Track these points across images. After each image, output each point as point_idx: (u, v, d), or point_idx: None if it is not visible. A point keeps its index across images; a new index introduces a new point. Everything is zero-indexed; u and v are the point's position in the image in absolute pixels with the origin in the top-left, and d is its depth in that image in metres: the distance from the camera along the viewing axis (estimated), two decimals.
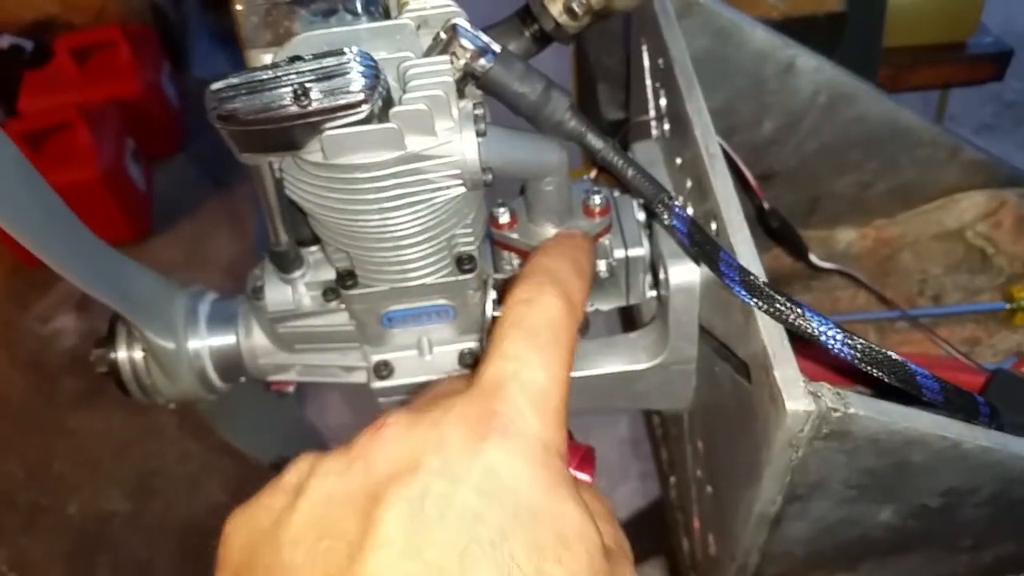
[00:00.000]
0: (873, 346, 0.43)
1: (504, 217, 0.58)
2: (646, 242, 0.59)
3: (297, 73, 0.43)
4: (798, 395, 0.42)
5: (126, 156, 2.72)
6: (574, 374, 0.62)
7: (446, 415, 0.39)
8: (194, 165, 3.02)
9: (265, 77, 0.43)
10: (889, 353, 0.43)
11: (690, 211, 0.53)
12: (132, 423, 2.29)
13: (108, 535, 2.14)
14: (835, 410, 0.43)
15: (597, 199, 0.57)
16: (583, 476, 0.50)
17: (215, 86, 0.44)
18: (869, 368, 0.43)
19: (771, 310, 0.44)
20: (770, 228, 0.73)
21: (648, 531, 1.80)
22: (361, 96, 0.43)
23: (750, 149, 0.73)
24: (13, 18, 2.88)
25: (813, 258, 0.75)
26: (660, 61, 0.61)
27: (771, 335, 0.44)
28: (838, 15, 0.81)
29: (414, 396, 0.49)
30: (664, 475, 0.88)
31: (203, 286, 0.65)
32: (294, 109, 0.43)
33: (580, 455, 0.50)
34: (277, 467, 0.46)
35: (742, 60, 0.70)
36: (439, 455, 0.37)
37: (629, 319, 0.91)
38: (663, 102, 0.62)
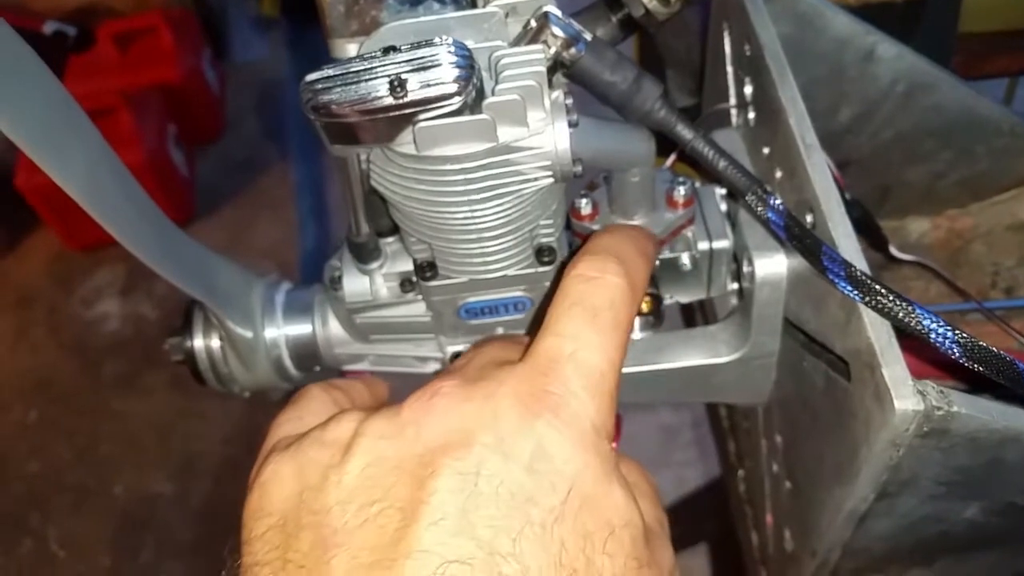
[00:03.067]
0: (982, 344, 0.42)
1: (586, 208, 0.57)
2: (730, 233, 0.58)
3: (393, 64, 0.43)
4: (907, 394, 0.41)
5: (168, 141, 2.74)
6: (650, 367, 0.62)
7: (500, 388, 0.39)
8: (235, 150, 3.04)
9: (360, 68, 0.43)
10: (999, 352, 0.42)
11: (780, 200, 0.51)
12: (176, 405, 2.31)
13: (154, 516, 2.17)
14: (939, 408, 0.42)
15: (681, 190, 0.56)
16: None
17: (310, 77, 0.43)
18: (976, 366, 0.42)
19: (879, 306, 0.42)
20: (850, 219, 0.71)
21: (691, 519, 1.80)
22: (455, 87, 0.42)
23: (825, 137, 0.72)
24: (57, 4, 2.90)
25: (893, 250, 0.73)
26: (746, 48, 0.59)
27: (878, 331, 0.43)
28: (916, 2, 0.79)
29: (460, 358, 0.48)
30: (730, 467, 0.87)
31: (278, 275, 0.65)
32: (389, 100, 0.42)
33: None
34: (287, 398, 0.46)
35: (822, 47, 0.69)
36: (493, 431, 0.37)
37: (689, 310, 0.90)
38: (747, 90, 0.60)
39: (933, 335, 0.42)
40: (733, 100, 0.64)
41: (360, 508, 0.36)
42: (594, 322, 0.41)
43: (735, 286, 0.61)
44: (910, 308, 0.42)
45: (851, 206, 0.70)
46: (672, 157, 0.63)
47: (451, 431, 0.37)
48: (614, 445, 0.49)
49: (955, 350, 0.42)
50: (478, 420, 0.37)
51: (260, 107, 3.17)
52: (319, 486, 0.38)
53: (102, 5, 2.98)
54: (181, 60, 2.89)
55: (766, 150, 0.58)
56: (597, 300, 0.42)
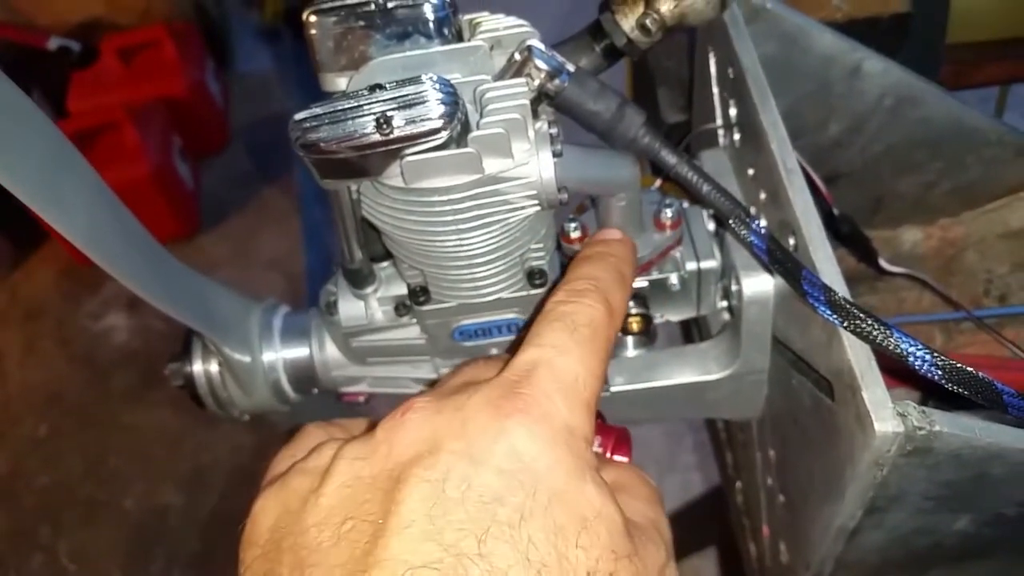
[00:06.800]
0: (959, 365, 0.43)
1: (575, 232, 0.58)
2: (718, 254, 0.59)
3: (379, 102, 0.44)
4: (887, 416, 0.42)
5: (173, 154, 2.76)
6: (644, 385, 0.62)
7: (471, 399, 0.39)
8: (239, 162, 3.05)
9: (348, 106, 0.44)
10: (977, 373, 0.43)
11: (763, 222, 0.52)
12: (184, 417, 2.33)
13: (164, 528, 2.19)
14: (920, 428, 0.43)
15: (669, 212, 0.57)
16: (620, 459, 0.50)
17: (299, 116, 0.45)
18: (956, 388, 0.43)
19: (857, 329, 0.43)
20: (839, 233, 0.72)
21: (698, 522, 1.80)
22: (440, 123, 0.44)
23: (814, 151, 0.73)
24: (60, 20, 2.92)
25: (883, 263, 0.74)
26: (730, 71, 0.60)
27: (857, 355, 0.44)
28: (903, 16, 0.80)
29: (441, 380, 0.49)
30: (729, 479, 0.88)
31: (276, 299, 0.66)
32: (376, 137, 0.43)
33: (615, 438, 0.50)
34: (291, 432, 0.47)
35: (808, 65, 0.69)
36: (461, 438, 0.38)
37: (687, 325, 0.91)
38: (732, 112, 0.61)
39: (912, 358, 0.43)
40: (719, 121, 0.65)
41: (335, 527, 0.37)
42: (573, 334, 0.42)
43: (724, 304, 0.62)
44: (888, 332, 0.43)
45: (840, 221, 0.71)
46: (660, 178, 0.64)
47: (421, 443, 0.38)
48: (626, 459, 0.50)
49: (934, 372, 0.43)
50: (448, 429, 0.38)
51: (264, 118, 3.18)
52: (298, 511, 0.39)
53: (105, 19, 3.00)
54: (185, 72, 2.90)
55: (751, 171, 0.59)
56: (578, 318, 0.43)
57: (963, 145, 0.79)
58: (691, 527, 1.81)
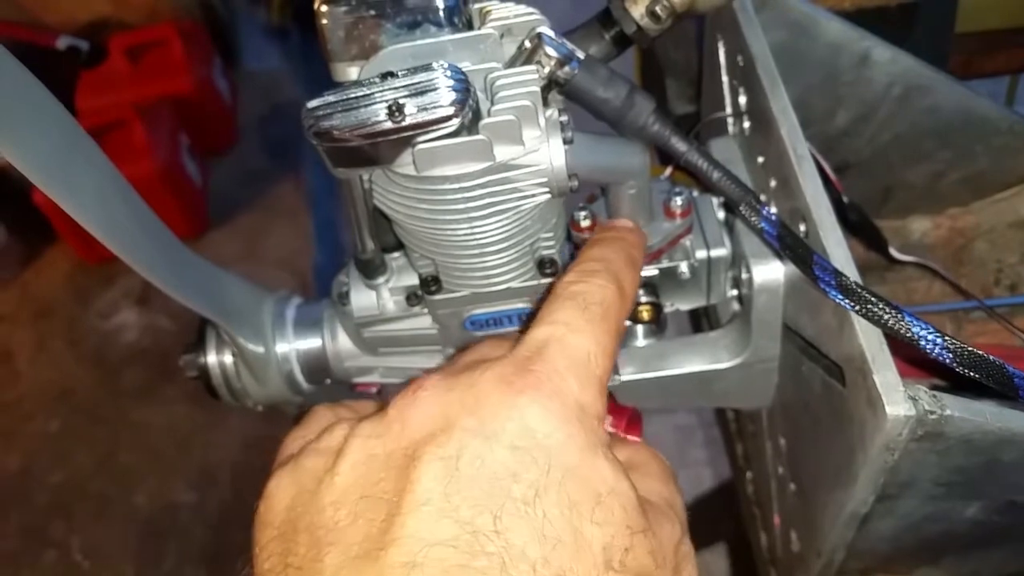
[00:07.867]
0: (971, 349, 0.43)
1: (585, 221, 0.58)
2: (728, 242, 0.59)
3: (391, 89, 0.44)
4: (898, 400, 0.42)
5: (182, 152, 2.76)
6: (654, 374, 0.63)
7: (483, 376, 0.39)
8: (248, 160, 3.06)
9: (360, 94, 0.44)
10: (988, 356, 0.43)
11: (773, 209, 0.52)
12: (194, 415, 2.34)
13: (175, 524, 2.19)
14: (931, 412, 0.43)
15: (679, 200, 0.57)
16: (632, 439, 0.51)
17: (311, 104, 0.45)
18: (967, 371, 0.43)
19: (869, 313, 0.43)
20: (848, 221, 0.72)
21: (710, 518, 1.80)
22: (452, 111, 0.44)
23: (823, 141, 0.73)
24: (69, 19, 2.92)
25: (893, 251, 0.74)
26: (739, 58, 0.60)
27: (869, 338, 0.44)
28: (911, 5, 0.80)
29: (452, 358, 0.49)
30: (739, 469, 0.88)
31: (289, 291, 0.67)
32: (388, 125, 0.44)
33: (627, 418, 0.51)
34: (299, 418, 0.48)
35: (816, 53, 0.70)
36: (474, 414, 0.38)
37: (696, 316, 0.91)
38: (742, 100, 0.61)
39: (923, 341, 0.43)
40: (729, 109, 0.65)
41: (351, 505, 0.37)
42: (585, 312, 0.43)
43: (735, 293, 0.62)
44: (899, 315, 0.43)
45: (850, 209, 0.71)
46: (671, 167, 0.64)
47: (434, 420, 0.38)
48: (636, 439, 0.51)
49: (945, 356, 0.43)
50: (460, 406, 0.38)
51: (272, 116, 3.19)
52: (314, 490, 0.39)
53: (113, 18, 3.00)
54: (192, 71, 2.90)
55: (761, 159, 0.59)
56: (589, 297, 0.44)
57: (973, 134, 0.78)
58: (702, 522, 1.80)
